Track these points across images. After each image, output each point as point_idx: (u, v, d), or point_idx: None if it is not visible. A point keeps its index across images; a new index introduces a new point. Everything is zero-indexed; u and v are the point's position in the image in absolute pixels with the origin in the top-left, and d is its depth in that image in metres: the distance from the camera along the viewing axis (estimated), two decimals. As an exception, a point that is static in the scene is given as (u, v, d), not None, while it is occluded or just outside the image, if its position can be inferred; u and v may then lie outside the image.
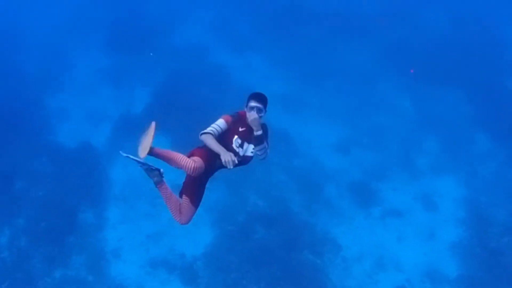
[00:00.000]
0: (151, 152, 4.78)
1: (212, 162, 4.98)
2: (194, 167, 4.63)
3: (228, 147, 4.99)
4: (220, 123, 5.16)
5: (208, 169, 4.94)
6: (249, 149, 5.23)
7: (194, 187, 5.23)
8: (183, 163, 4.66)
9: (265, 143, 5.22)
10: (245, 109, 5.24)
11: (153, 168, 5.06)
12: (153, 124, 4.90)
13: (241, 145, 5.14)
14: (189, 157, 4.86)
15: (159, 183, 5.16)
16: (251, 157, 5.31)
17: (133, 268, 12.95)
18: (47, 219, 13.44)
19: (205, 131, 5.05)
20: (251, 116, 5.04)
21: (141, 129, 5.02)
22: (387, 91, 16.67)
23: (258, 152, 5.23)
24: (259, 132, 5.07)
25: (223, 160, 4.72)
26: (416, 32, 18.10)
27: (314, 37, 18.55)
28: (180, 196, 5.34)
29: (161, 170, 5.10)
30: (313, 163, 14.87)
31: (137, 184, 14.81)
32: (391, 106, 16.36)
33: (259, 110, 5.10)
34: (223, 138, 5.13)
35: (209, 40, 18.74)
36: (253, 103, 5.14)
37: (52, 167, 14.89)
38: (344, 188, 14.38)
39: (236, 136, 5.15)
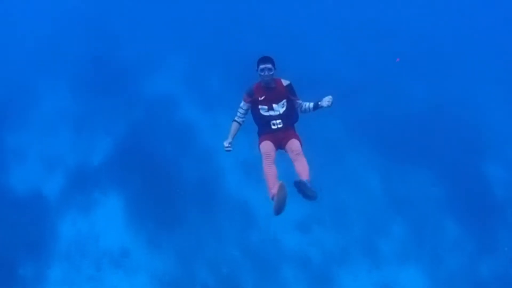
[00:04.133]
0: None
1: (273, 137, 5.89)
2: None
3: (263, 118, 5.90)
4: (241, 105, 6.02)
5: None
6: (280, 106, 5.90)
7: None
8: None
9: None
10: (257, 73, 5.88)
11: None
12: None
13: (269, 109, 5.88)
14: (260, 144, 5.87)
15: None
16: (287, 111, 5.98)
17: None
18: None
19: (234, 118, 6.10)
20: (327, 102, 5.71)
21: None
22: (355, 166, 15.83)
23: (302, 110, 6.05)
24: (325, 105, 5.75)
25: None
26: (391, 104, 17.30)
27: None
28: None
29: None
30: (271, 239, 14.05)
31: (84, 243, 14.21)
32: (358, 182, 15.49)
33: (268, 70, 5.77)
34: (254, 113, 6.03)
35: (179, 91, 17.86)
36: (261, 65, 5.79)
37: (-4, 212, 14.14)
38: (302, 271, 13.55)
39: (260, 106, 5.90)
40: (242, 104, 6.04)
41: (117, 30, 20.10)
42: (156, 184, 14.72)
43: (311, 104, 5.92)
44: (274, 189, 5.34)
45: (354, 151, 16.09)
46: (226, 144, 5.88)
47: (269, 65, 5.80)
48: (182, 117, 16.98)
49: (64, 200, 14.93)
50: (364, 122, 16.79)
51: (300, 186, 5.32)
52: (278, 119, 5.87)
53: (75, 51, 19.32)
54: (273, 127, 5.86)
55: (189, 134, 16.37)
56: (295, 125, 6.10)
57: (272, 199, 5.31)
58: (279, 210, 5.20)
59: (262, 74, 5.81)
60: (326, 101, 5.69)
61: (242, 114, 6.07)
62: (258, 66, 5.85)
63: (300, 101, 6.03)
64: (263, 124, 5.95)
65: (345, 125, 16.74)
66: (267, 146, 5.74)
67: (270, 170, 5.59)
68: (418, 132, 16.44)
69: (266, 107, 5.92)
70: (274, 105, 5.90)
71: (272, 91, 5.93)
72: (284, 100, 5.94)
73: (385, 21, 20.50)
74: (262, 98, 5.91)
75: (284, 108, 5.95)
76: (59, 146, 16.38)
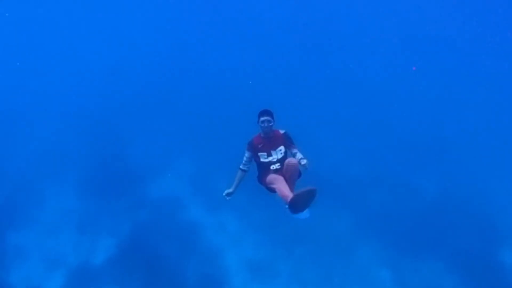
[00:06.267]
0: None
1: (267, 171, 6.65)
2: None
3: (263, 164, 6.67)
4: (245, 154, 6.86)
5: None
6: (278, 153, 6.65)
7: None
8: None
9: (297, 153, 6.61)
10: (258, 124, 6.68)
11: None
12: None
13: (268, 155, 6.65)
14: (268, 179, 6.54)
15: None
16: (285, 156, 6.68)
17: None
18: None
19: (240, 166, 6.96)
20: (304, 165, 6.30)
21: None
22: (365, 261, 15.22)
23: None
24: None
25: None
26: (401, 197, 17.11)
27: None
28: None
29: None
30: None
31: None
32: (369, 277, 14.81)
33: (268, 121, 6.55)
34: (256, 161, 6.80)
35: (185, 193, 17.80)
36: (262, 118, 6.57)
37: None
38: None
39: (259, 153, 6.67)
40: (245, 153, 6.83)
41: (123, 132, 20.48)
42: (159, 285, 14.27)
43: (298, 159, 6.35)
44: (290, 195, 5.83)
45: (364, 246, 15.62)
46: (226, 192, 6.92)
47: (269, 118, 6.57)
48: (186, 218, 16.77)
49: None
50: (373, 216, 16.52)
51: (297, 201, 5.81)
52: (277, 163, 6.60)
53: (81, 152, 19.69)
54: (272, 168, 6.58)
55: (193, 235, 16.11)
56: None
57: (291, 201, 5.74)
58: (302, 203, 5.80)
59: (263, 125, 6.58)
60: (304, 164, 6.21)
61: (246, 162, 6.85)
62: (259, 119, 6.61)
63: (295, 151, 6.62)
64: (264, 168, 6.65)
65: (354, 220, 16.44)
66: (273, 176, 6.37)
67: (280, 183, 6.16)
68: (429, 224, 16.03)
69: (265, 153, 6.66)
70: (272, 152, 6.64)
71: (270, 140, 6.67)
72: (282, 147, 6.66)
73: (389, 116, 21.00)
74: (261, 146, 6.66)
75: (282, 155, 6.65)
76: (61, 246, 16.20)
